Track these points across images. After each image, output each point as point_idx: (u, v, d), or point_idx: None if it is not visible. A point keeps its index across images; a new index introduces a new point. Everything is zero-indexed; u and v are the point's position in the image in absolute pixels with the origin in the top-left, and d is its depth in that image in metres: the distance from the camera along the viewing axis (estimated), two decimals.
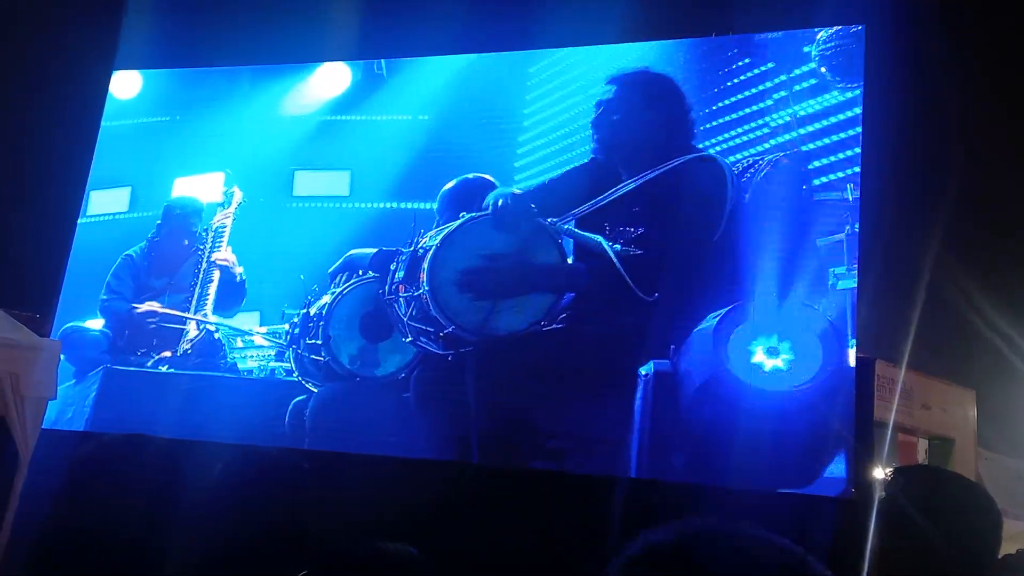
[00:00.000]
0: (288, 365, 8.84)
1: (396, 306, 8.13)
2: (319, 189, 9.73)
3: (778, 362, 6.93)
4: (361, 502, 6.42)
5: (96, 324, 9.63)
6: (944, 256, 7.37)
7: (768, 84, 8.00)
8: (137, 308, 9.59)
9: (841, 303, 7.21)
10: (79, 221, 10.16)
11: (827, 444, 6.82)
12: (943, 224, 7.48)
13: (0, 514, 6.50)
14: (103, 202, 10.34)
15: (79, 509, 3.15)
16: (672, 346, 7.08)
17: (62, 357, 8.18)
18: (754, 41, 8.24)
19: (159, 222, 9.92)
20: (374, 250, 8.61)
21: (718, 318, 6.97)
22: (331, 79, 9.93)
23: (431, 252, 7.83)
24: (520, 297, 7.75)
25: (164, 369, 9.26)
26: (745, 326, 7.00)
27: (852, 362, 6.97)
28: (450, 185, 8.60)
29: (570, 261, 7.81)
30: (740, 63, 8.19)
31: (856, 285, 7.17)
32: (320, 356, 8.50)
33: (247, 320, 9.48)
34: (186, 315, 9.51)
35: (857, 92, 7.59)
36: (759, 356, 6.94)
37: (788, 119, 7.80)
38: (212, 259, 9.55)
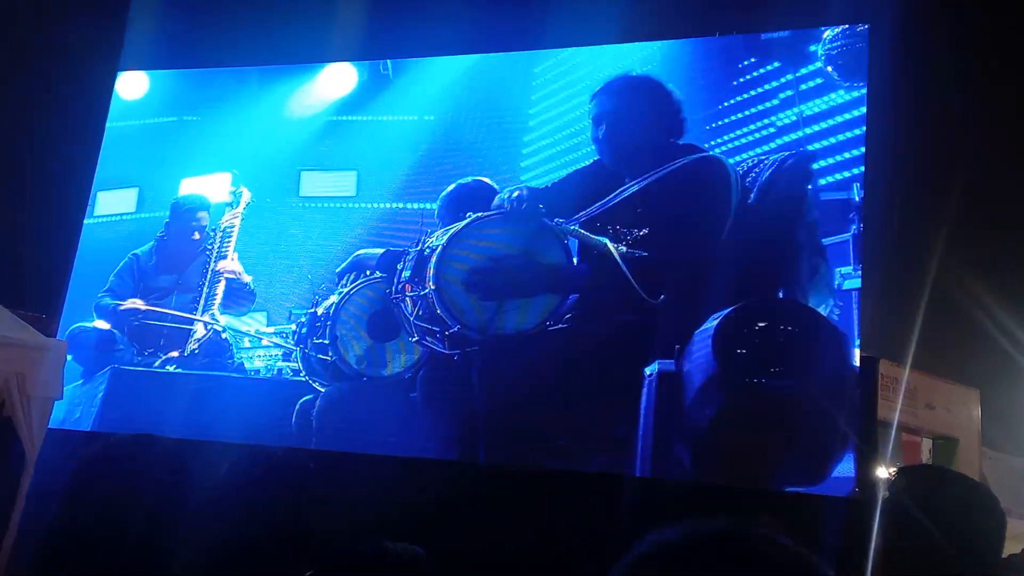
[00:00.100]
0: (295, 365, 8.85)
1: (403, 306, 8.14)
2: (325, 189, 9.75)
3: (778, 363, 6.92)
4: (368, 502, 6.42)
5: (103, 324, 9.64)
6: (948, 256, 7.37)
7: (774, 83, 8.00)
8: (121, 305, 9.61)
9: (848, 303, 7.22)
10: (87, 221, 10.19)
11: (832, 444, 6.82)
12: (947, 224, 7.48)
13: (7, 514, 6.51)
14: (110, 203, 10.36)
15: (86, 509, 3.17)
16: (677, 346, 7.08)
17: (69, 357, 8.20)
18: (760, 40, 8.24)
19: (167, 220, 9.94)
20: (381, 250, 8.63)
21: (718, 319, 6.97)
22: (337, 80, 9.95)
23: (437, 251, 7.83)
24: (526, 297, 7.75)
25: (171, 369, 9.28)
26: (746, 327, 6.99)
27: (850, 363, 6.97)
28: (448, 189, 8.61)
29: (575, 262, 7.82)
30: (746, 62, 8.20)
31: (860, 285, 7.18)
32: (327, 356, 8.51)
33: (254, 320, 9.49)
34: (166, 311, 9.55)
35: (863, 91, 7.59)
36: (759, 357, 6.93)
37: (794, 118, 7.80)
38: (219, 269, 9.57)
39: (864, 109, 7.55)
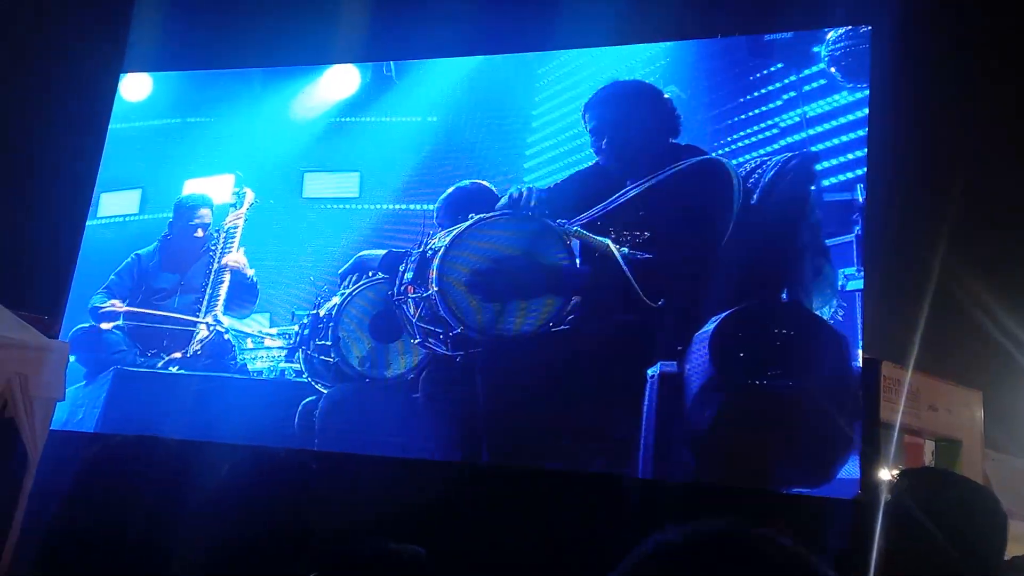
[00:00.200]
0: (298, 366, 8.85)
1: (405, 307, 8.14)
2: (329, 190, 9.75)
3: (775, 365, 6.91)
4: (370, 503, 6.42)
5: (107, 325, 9.65)
6: (951, 257, 7.36)
7: (777, 85, 8.00)
8: (101, 308, 9.63)
9: (851, 304, 7.22)
10: (90, 223, 10.19)
11: (833, 446, 6.81)
12: (950, 225, 7.47)
13: (9, 514, 6.51)
14: (114, 204, 10.37)
15: (88, 509, 3.17)
16: (679, 347, 7.08)
17: (72, 358, 8.21)
18: (763, 42, 8.24)
19: (171, 219, 9.95)
20: (383, 251, 8.64)
21: (716, 322, 6.97)
22: (340, 81, 9.96)
23: (440, 253, 7.83)
24: (528, 298, 7.75)
25: (174, 370, 9.29)
26: (743, 330, 6.99)
27: (851, 364, 6.97)
28: (447, 192, 8.61)
29: (577, 263, 7.81)
30: (749, 64, 8.20)
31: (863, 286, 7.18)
32: (330, 357, 8.51)
33: (257, 321, 9.50)
34: (142, 311, 9.58)
35: (867, 92, 7.58)
36: (757, 359, 6.92)
37: (797, 119, 7.79)
38: (224, 262, 9.58)
39: (867, 110, 7.55)
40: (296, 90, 10.12)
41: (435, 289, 7.78)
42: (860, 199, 7.37)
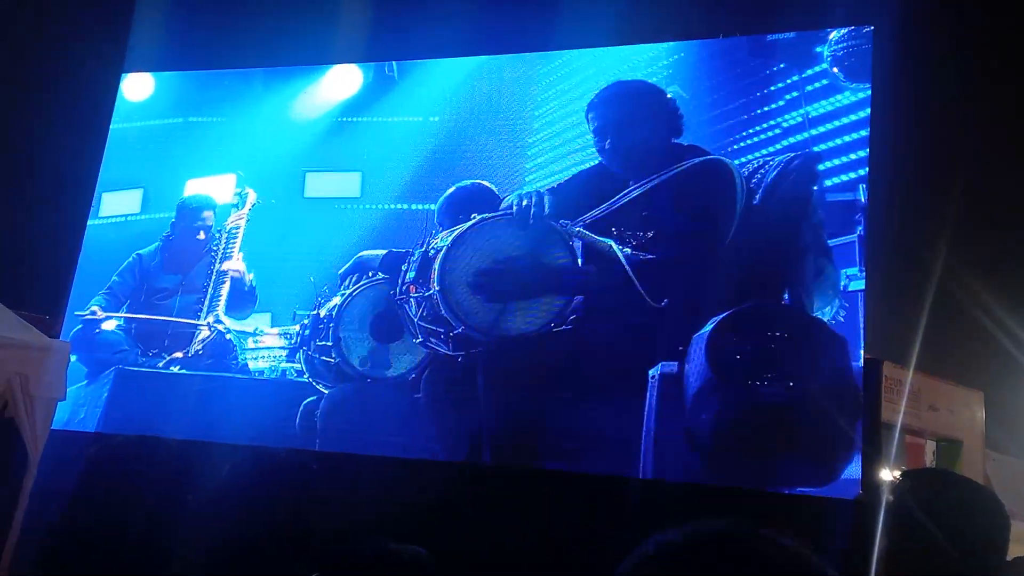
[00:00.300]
0: (299, 366, 8.85)
1: (407, 307, 8.15)
2: (330, 190, 9.75)
3: (772, 366, 6.91)
4: (371, 503, 6.41)
5: (109, 325, 9.65)
6: (952, 257, 7.36)
7: (780, 85, 7.99)
8: (83, 315, 9.64)
9: (853, 304, 7.21)
10: (91, 223, 10.20)
11: (834, 446, 6.81)
12: (951, 225, 7.47)
13: (10, 514, 6.51)
14: (115, 204, 10.36)
15: (89, 509, 3.17)
16: (680, 347, 7.08)
17: (74, 358, 8.21)
18: (765, 42, 8.23)
19: (173, 220, 9.96)
20: (384, 251, 8.64)
21: (714, 323, 6.97)
22: (342, 81, 9.95)
23: (442, 252, 7.84)
24: (530, 298, 7.75)
25: (176, 370, 9.29)
26: (740, 332, 6.98)
27: (851, 364, 6.96)
28: (448, 193, 8.62)
29: (580, 263, 7.81)
30: (751, 64, 8.19)
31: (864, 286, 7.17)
32: (330, 357, 8.52)
33: (258, 321, 9.49)
34: (128, 315, 9.59)
35: (869, 93, 7.58)
36: (753, 361, 6.92)
37: (800, 120, 7.79)
38: (223, 268, 9.58)
39: (869, 110, 7.54)
40: (298, 90, 10.12)
41: (437, 288, 7.79)
42: (863, 199, 7.36)
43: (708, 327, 6.95)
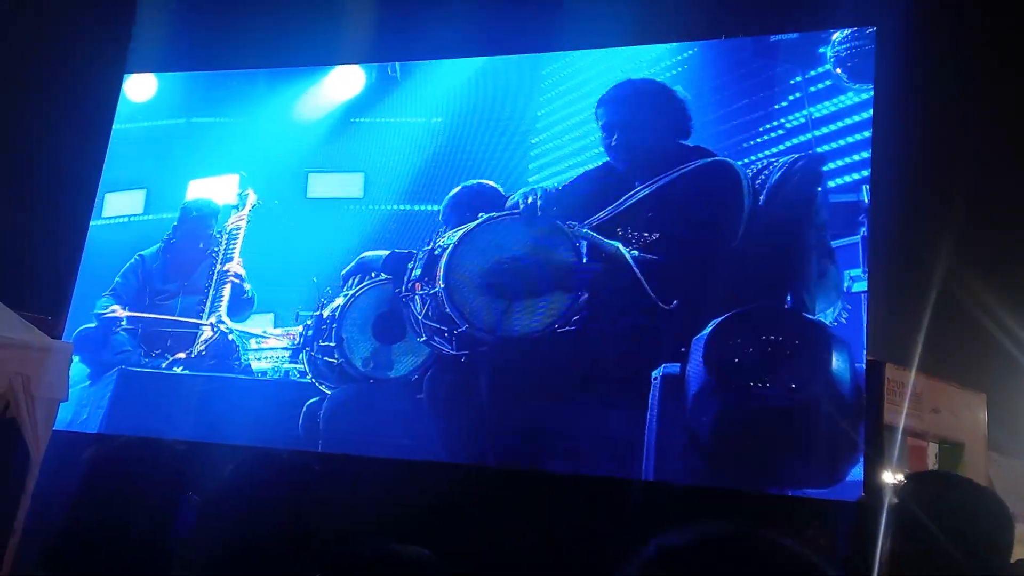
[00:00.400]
0: (302, 367, 8.85)
1: (412, 304, 8.15)
2: (333, 191, 9.75)
3: (770, 369, 6.90)
4: (374, 504, 6.41)
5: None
6: (954, 259, 7.35)
7: (783, 86, 7.98)
8: (102, 314, 9.63)
9: (856, 305, 7.20)
10: (95, 223, 10.20)
11: (835, 448, 6.80)
12: (954, 227, 7.46)
13: (12, 515, 6.51)
14: (118, 204, 10.36)
15: (92, 510, 3.17)
16: (683, 349, 7.08)
17: (76, 359, 8.21)
18: (769, 43, 8.22)
19: (175, 223, 9.95)
20: (387, 252, 8.64)
21: (712, 326, 6.97)
22: (345, 82, 9.95)
23: (448, 250, 7.85)
24: (536, 298, 7.75)
25: (179, 371, 9.29)
26: (737, 335, 6.97)
27: (850, 367, 6.95)
28: (454, 192, 8.62)
29: (585, 261, 7.80)
30: (754, 65, 8.18)
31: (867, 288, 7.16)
32: (333, 358, 8.51)
33: (261, 322, 9.49)
34: (146, 315, 9.59)
35: (872, 94, 7.57)
36: (751, 364, 6.91)
37: (803, 120, 7.78)
38: (224, 269, 9.58)
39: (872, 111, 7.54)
40: (301, 91, 10.12)
41: (442, 286, 7.80)
42: (866, 200, 7.35)
43: (707, 330, 6.95)
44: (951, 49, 7.95)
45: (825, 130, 7.67)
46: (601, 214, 7.75)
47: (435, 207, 8.75)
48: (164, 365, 9.34)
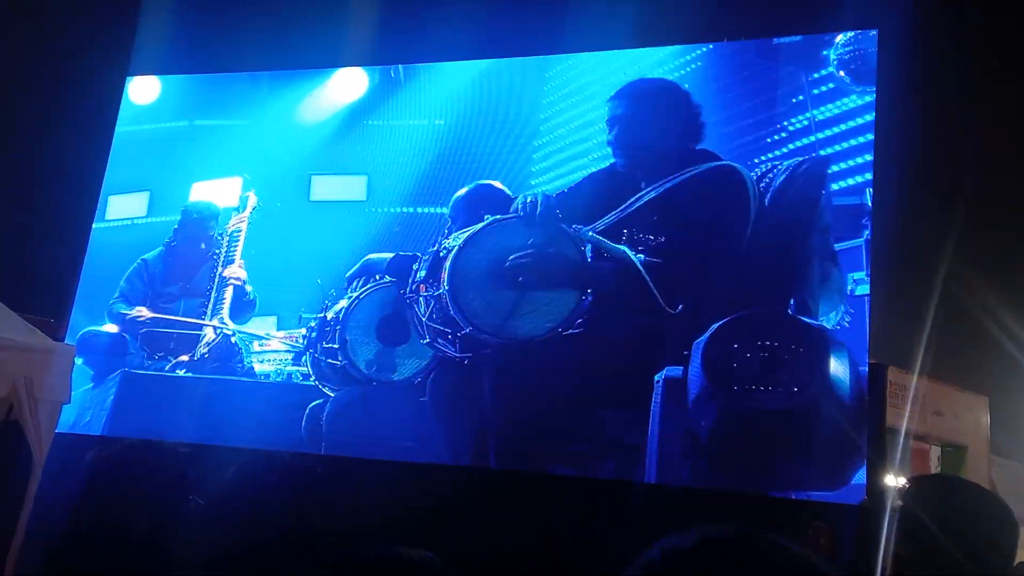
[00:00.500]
0: (305, 369, 8.86)
1: (416, 306, 8.15)
2: (336, 193, 9.76)
3: (768, 374, 6.90)
4: (378, 506, 6.42)
5: (114, 328, 9.66)
6: (957, 261, 7.34)
7: (786, 88, 7.98)
8: (127, 314, 9.63)
9: (860, 308, 7.19)
10: (98, 225, 10.21)
11: (836, 451, 6.80)
12: (956, 229, 7.45)
13: (14, 517, 6.51)
14: (122, 206, 10.37)
15: (94, 513, 3.18)
16: (686, 353, 7.08)
17: (80, 361, 8.21)
18: (772, 45, 8.22)
19: (176, 226, 9.96)
20: (391, 254, 8.64)
21: (711, 331, 6.97)
22: (348, 84, 9.96)
23: (453, 252, 7.85)
24: (540, 300, 7.75)
25: (182, 373, 9.29)
26: (735, 340, 6.97)
27: (852, 370, 6.94)
28: (463, 191, 8.62)
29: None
30: (758, 67, 8.18)
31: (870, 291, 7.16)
32: (337, 360, 8.52)
33: (264, 324, 9.49)
34: (173, 318, 9.57)
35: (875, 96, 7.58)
36: (748, 369, 6.91)
37: (806, 123, 7.78)
38: (226, 273, 9.58)
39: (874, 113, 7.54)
40: (304, 93, 10.13)
41: (446, 288, 7.79)
42: (869, 203, 7.35)
43: (706, 335, 6.96)
44: (953, 51, 7.94)
45: (829, 133, 7.67)
46: (606, 218, 7.75)
47: (439, 209, 8.76)
48: (167, 368, 9.35)
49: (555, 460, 7.72)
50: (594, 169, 8.21)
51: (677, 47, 8.57)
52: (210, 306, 9.51)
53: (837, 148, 7.60)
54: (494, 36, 9.21)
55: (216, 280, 9.58)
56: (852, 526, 6.05)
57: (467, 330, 7.77)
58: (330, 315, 8.72)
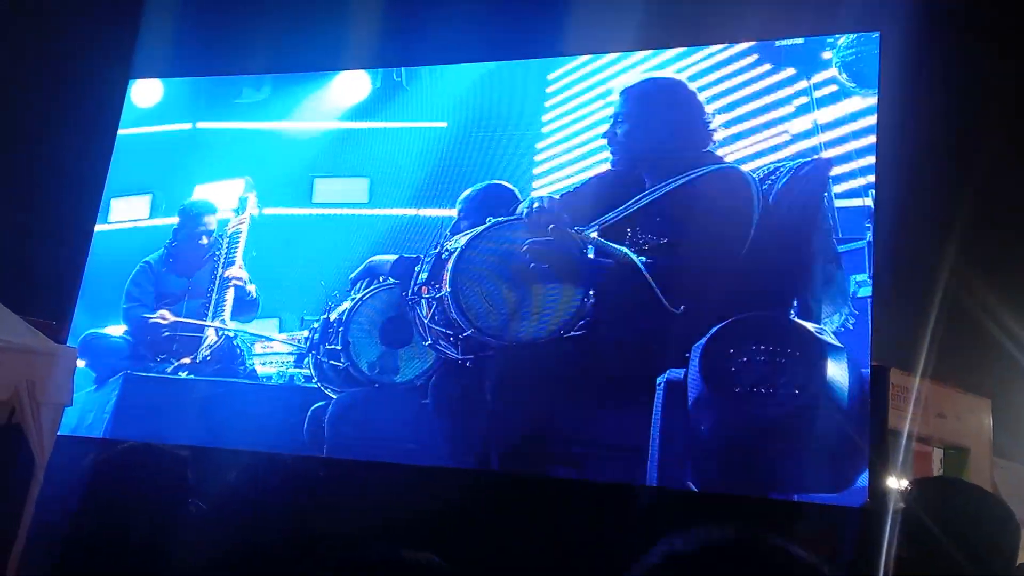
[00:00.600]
0: (307, 371, 8.86)
1: (418, 308, 8.16)
2: (338, 196, 9.75)
3: (766, 377, 6.89)
4: (380, 509, 6.42)
5: (116, 330, 9.67)
6: (959, 263, 7.34)
7: (789, 90, 7.97)
8: (150, 318, 9.63)
9: (863, 310, 7.19)
10: (100, 228, 10.21)
11: (837, 453, 6.80)
12: (958, 231, 7.45)
13: (16, 520, 6.51)
14: (124, 209, 10.37)
15: (96, 515, 3.18)
16: (687, 355, 7.08)
17: (82, 363, 8.21)
18: (774, 47, 8.21)
19: (175, 227, 9.96)
20: (394, 256, 8.65)
21: (709, 335, 6.97)
22: (351, 87, 9.95)
23: (455, 254, 7.85)
24: (542, 302, 7.74)
25: (184, 375, 9.29)
26: (732, 344, 6.97)
27: (854, 372, 6.93)
28: (474, 190, 8.62)
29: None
30: (760, 69, 8.18)
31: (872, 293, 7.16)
32: (339, 362, 8.52)
33: (266, 326, 9.49)
34: (197, 322, 9.56)
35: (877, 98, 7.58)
36: (746, 373, 6.91)
37: (809, 125, 7.77)
38: (226, 276, 9.59)
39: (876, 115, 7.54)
40: (306, 96, 10.13)
41: (448, 290, 7.80)
42: (872, 205, 7.35)
43: (704, 338, 6.96)
44: (955, 53, 7.94)
45: (831, 135, 7.66)
46: (608, 216, 7.75)
47: (441, 212, 8.76)
48: (169, 370, 9.35)
49: (557, 462, 7.71)
50: (597, 171, 8.20)
51: (680, 50, 8.56)
52: (211, 307, 9.52)
53: (840, 150, 7.59)
54: (497, 39, 9.22)
55: (217, 281, 9.59)
56: (854, 528, 6.04)
57: (469, 332, 7.78)
58: (333, 316, 8.73)
